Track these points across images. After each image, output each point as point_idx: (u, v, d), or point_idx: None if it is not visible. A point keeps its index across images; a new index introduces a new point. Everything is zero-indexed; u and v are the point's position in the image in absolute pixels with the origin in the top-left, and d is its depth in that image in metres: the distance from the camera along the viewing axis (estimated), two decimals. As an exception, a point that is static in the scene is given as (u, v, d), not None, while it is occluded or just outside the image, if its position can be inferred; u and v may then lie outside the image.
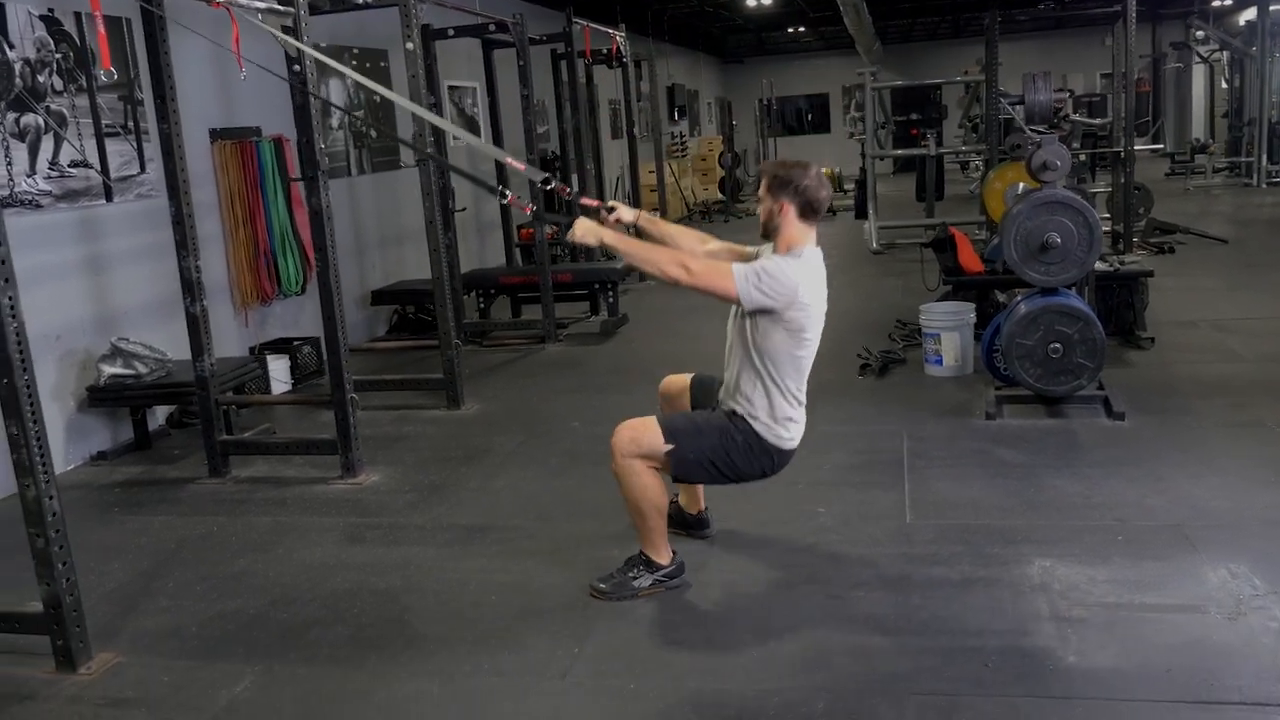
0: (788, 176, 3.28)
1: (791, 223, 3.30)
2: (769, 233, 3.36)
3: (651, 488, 3.34)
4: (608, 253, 3.91)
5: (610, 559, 3.61)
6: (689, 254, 3.37)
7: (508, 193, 3.58)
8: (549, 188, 3.64)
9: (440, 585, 3.62)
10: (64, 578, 3.14)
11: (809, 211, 3.30)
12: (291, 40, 4.38)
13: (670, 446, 3.28)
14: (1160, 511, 3.88)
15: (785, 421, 3.35)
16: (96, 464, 5.39)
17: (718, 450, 3.33)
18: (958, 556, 3.59)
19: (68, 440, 5.30)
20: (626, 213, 3.51)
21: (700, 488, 3.81)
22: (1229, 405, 5.08)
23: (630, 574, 3.42)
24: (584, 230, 3.30)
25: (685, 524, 3.79)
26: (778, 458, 3.40)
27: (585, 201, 3.56)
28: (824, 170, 3.52)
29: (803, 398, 3.40)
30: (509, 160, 3.94)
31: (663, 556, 3.42)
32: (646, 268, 3.26)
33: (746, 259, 3.40)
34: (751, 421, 3.34)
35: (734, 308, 3.34)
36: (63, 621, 3.14)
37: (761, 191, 3.34)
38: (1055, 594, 3.28)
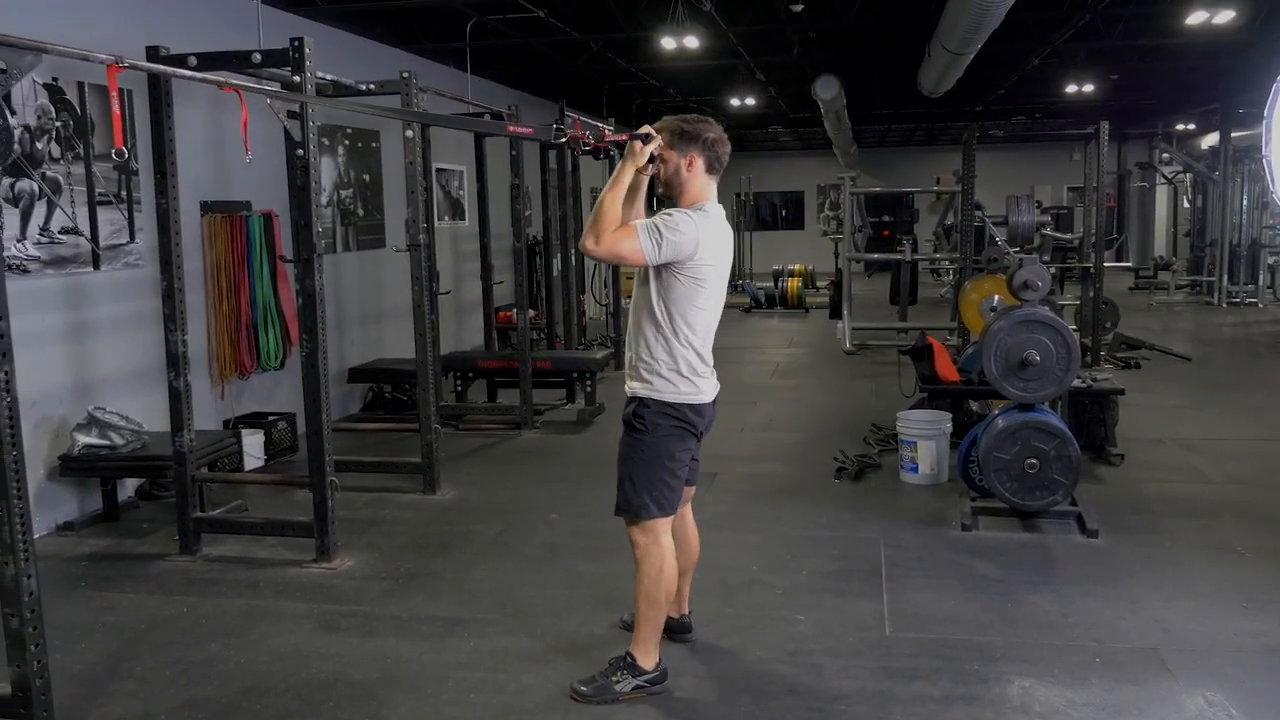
0: (695, 131, 3.32)
1: (698, 176, 3.34)
2: (672, 190, 3.39)
3: (668, 571, 3.39)
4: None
5: (591, 659, 3.58)
6: (607, 227, 3.27)
7: (566, 130, 3.60)
8: (561, 141, 3.61)
9: (418, 680, 3.57)
10: (35, 660, 3.07)
11: (715, 165, 3.36)
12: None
13: (654, 516, 3.36)
14: (1135, 634, 3.91)
15: (690, 376, 3.35)
16: (63, 534, 5.29)
17: (654, 466, 3.35)
18: (938, 672, 3.60)
19: (35, 509, 5.18)
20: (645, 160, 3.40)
21: (686, 591, 3.81)
22: (1199, 527, 5.16)
23: (613, 677, 3.39)
24: (639, 147, 3.30)
25: (668, 628, 3.75)
26: (694, 415, 3.38)
27: (610, 138, 3.63)
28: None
29: (708, 358, 3.41)
30: (516, 129, 4.05)
31: (649, 660, 3.40)
32: (588, 221, 3.28)
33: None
34: (654, 390, 3.33)
35: (638, 275, 3.39)
36: (30, 705, 3.06)
37: (664, 149, 3.33)
38: (1036, 716, 3.28)
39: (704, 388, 3.41)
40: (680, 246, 3.23)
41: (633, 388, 3.41)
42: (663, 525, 3.42)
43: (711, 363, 3.45)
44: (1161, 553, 4.81)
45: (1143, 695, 3.42)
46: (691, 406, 3.38)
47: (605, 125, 10.10)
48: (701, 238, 3.27)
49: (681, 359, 3.34)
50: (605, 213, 3.28)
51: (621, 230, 3.28)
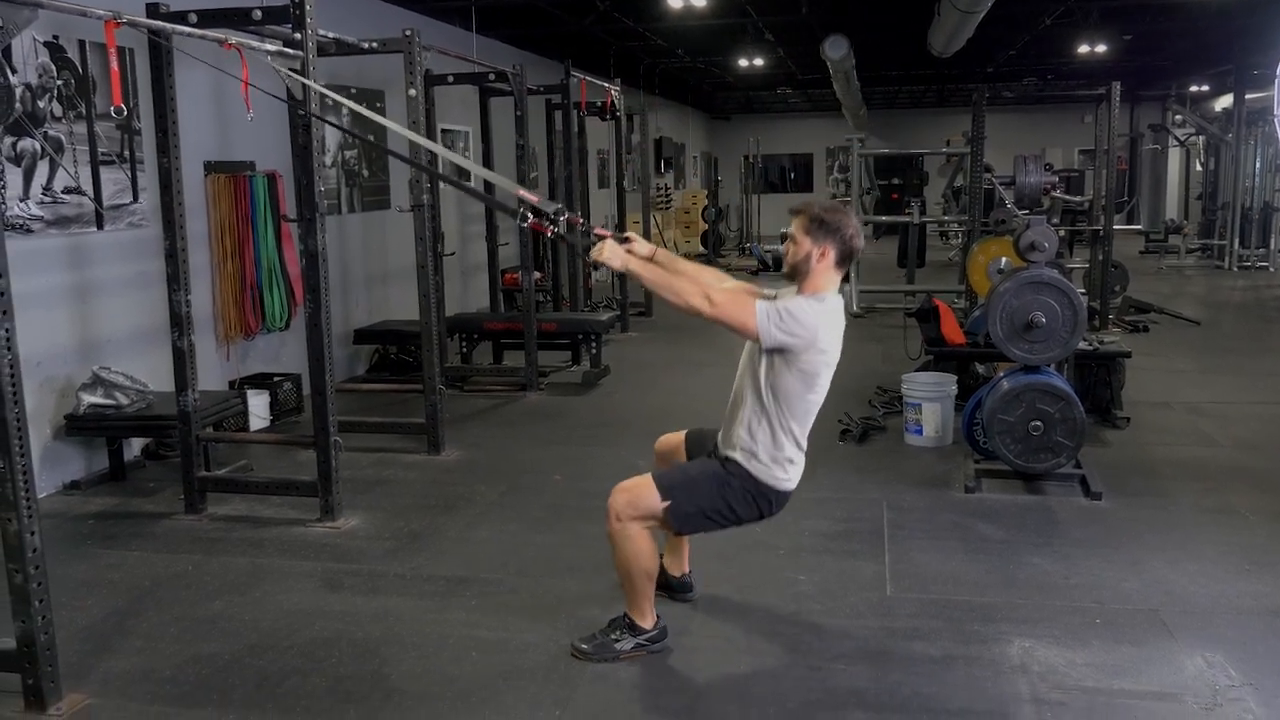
0: (835, 223, 3.23)
1: (827, 269, 3.25)
2: (797, 274, 3.30)
3: (644, 554, 3.34)
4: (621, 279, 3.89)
5: (592, 618, 3.60)
6: (710, 286, 3.28)
7: (529, 215, 3.53)
8: (563, 219, 3.50)
9: (420, 638, 3.59)
10: (40, 615, 3.08)
11: (847, 259, 3.28)
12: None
13: (667, 503, 3.28)
14: (1137, 595, 3.92)
15: (785, 463, 3.32)
16: (69, 493, 5.32)
17: (714, 499, 3.32)
18: (938, 632, 3.61)
19: (42, 468, 5.23)
20: (642, 246, 3.42)
21: (685, 550, 3.82)
22: (1203, 490, 5.15)
23: (612, 636, 3.40)
24: (611, 252, 3.25)
25: (669, 587, 3.78)
26: (775, 499, 3.36)
27: (599, 231, 3.48)
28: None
29: (804, 443, 3.37)
30: (522, 192, 3.90)
31: (647, 620, 3.41)
32: (669, 295, 3.20)
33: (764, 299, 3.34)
34: (749, 465, 3.30)
35: (748, 345, 3.32)
36: (35, 660, 3.08)
37: (796, 231, 3.27)
38: (1035, 675, 3.29)
39: (794, 475, 3.36)
40: (797, 336, 3.16)
41: (729, 455, 3.36)
42: (647, 526, 3.34)
43: (805, 445, 3.39)
44: (1165, 515, 4.80)
45: (1142, 656, 3.43)
46: (777, 492, 3.35)
47: (611, 86, 10.05)
48: (820, 331, 3.20)
49: (783, 444, 3.30)
50: (693, 273, 3.46)
51: (739, 299, 3.21)
